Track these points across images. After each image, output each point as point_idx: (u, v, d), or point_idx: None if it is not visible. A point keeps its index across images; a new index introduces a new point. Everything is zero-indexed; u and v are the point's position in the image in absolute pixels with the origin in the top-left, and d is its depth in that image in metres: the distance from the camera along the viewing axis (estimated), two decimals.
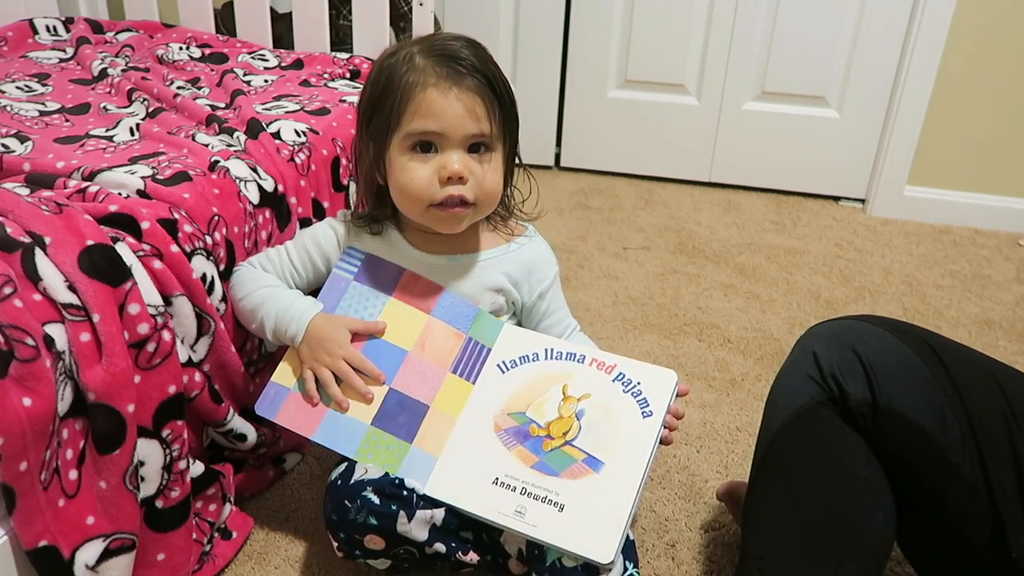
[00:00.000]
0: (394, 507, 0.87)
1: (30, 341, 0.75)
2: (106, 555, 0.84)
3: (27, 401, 0.74)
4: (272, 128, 1.19)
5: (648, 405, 0.92)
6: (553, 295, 1.06)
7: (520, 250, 1.04)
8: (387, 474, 0.89)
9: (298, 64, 1.58)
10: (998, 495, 0.80)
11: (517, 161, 1.00)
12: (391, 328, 0.97)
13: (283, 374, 0.97)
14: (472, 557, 0.92)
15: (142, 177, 0.98)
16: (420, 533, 0.89)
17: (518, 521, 0.86)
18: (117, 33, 1.68)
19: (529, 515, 0.86)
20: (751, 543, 0.88)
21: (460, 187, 0.90)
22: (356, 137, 1.00)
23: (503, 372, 0.96)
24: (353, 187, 1.27)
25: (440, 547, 0.90)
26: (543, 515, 0.86)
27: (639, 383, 0.93)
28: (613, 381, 0.94)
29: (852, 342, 0.87)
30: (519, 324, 1.07)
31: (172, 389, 0.89)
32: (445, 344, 0.96)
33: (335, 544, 0.92)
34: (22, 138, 1.13)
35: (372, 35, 1.64)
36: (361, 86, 1.47)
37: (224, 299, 1.01)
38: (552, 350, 0.97)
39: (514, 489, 0.88)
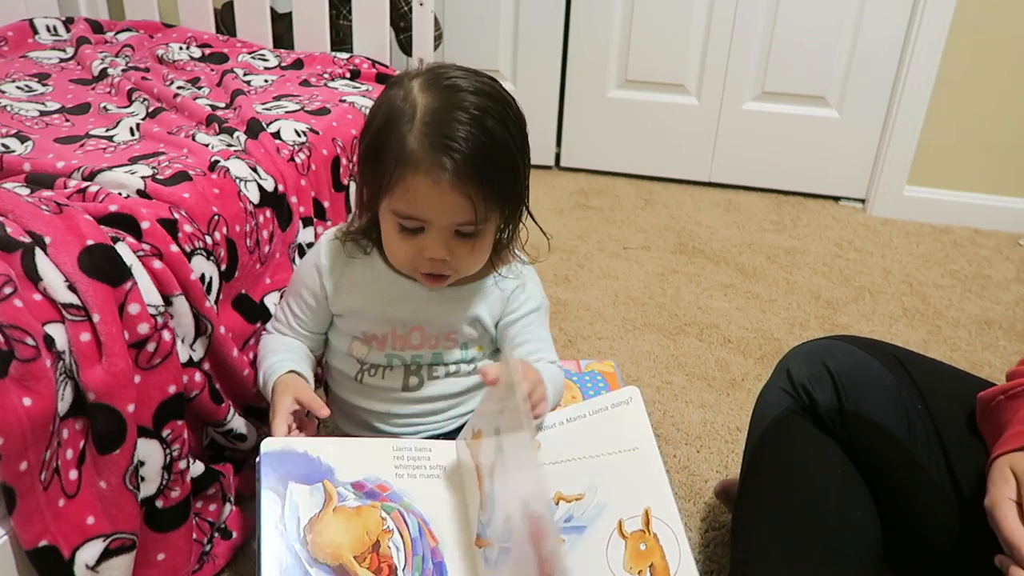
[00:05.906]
0: None
1: (30, 341, 0.75)
2: (106, 555, 0.84)
3: (27, 401, 0.74)
4: (272, 128, 1.19)
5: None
6: (524, 327, 1.01)
7: (501, 284, 1.00)
8: None
9: (298, 64, 1.58)
10: (966, 496, 0.81)
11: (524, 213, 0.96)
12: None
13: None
14: None
15: (142, 177, 0.98)
16: None
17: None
18: (117, 33, 1.68)
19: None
20: (738, 548, 0.92)
21: (441, 266, 0.90)
22: (358, 162, 0.96)
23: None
24: (353, 186, 1.27)
25: None
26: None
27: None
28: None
29: (822, 357, 0.92)
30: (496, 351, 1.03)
31: (172, 389, 0.89)
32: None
33: None
34: (22, 138, 1.13)
35: (372, 35, 1.65)
36: (361, 86, 1.49)
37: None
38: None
39: None
